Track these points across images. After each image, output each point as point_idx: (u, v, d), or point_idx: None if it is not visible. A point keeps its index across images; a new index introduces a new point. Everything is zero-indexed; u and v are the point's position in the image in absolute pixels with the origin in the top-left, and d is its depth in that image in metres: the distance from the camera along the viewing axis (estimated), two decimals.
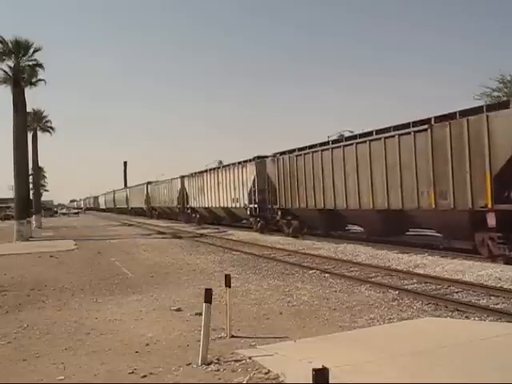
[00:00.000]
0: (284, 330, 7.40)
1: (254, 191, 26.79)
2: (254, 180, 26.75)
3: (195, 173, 38.59)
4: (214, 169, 35.05)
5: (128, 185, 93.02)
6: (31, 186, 43.09)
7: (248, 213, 28.04)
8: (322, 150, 19.73)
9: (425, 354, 5.65)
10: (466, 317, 7.99)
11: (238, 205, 29.28)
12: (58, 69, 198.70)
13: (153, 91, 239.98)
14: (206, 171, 35.99)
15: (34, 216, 39.86)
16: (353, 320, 7.89)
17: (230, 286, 7.18)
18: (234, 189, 29.71)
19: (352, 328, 7.41)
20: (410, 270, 12.75)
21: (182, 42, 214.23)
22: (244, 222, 31.73)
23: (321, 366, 2.85)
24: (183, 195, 41.15)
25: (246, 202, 27.99)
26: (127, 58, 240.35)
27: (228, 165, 32.87)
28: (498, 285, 10.22)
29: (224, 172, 32.03)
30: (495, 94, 32.71)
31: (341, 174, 18.44)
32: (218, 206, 32.51)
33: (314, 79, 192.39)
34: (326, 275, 12.37)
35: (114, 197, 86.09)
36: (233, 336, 7.02)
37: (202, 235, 27.95)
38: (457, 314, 8.16)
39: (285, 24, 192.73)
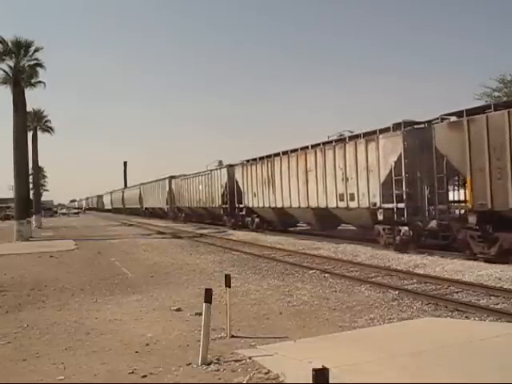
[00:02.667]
0: (284, 330, 7.40)
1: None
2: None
3: (256, 158, 27.32)
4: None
5: (128, 185, 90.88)
6: (31, 185, 43.04)
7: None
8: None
9: (425, 354, 5.65)
10: (466, 317, 8.00)
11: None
12: (58, 69, 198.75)
13: (153, 91, 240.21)
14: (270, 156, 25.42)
15: (33, 216, 39.84)
16: (353, 320, 7.89)
17: (229, 286, 7.18)
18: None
19: (352, 328, 7.41)
20: (410, 270, 12.75)
21: (182, 42, 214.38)
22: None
23: (321, 366, 2.85)
24: (233, 191, 30.17)
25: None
26: (127, 58, 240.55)
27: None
28: (498, 285, 10.22)
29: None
30: (495, 94, 32.72)
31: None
32: (307, 205, 21.69)
33: (314, 79, 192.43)
34: (326, 275, 12.37)
35: (122, 195, 75.78)
36: (233, 336, 7.02)
37: (201, 235, 27.96)
38: (457, 314, 8.16)
39: (285, 23, 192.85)
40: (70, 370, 5.82)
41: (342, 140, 19.60)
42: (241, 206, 29.36)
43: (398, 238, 16.15)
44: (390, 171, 16.15)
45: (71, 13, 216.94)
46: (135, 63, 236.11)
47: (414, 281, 11.15)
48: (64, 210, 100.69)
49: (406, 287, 10.46)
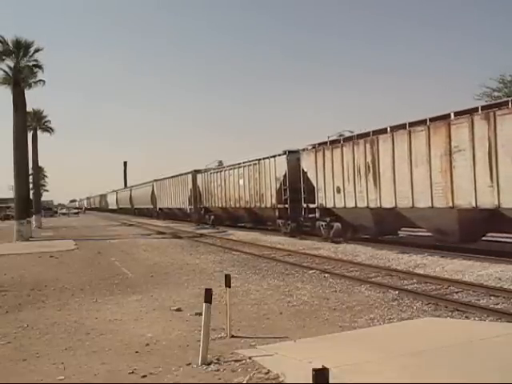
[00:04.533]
0: (284, 330, 7.40)
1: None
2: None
3: (338, 140, 19.84)
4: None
5: (128, 184, 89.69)
6: (31, 185, 43.04)
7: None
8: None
9: (425, 354, 5.65)
10: (466, 317, 7.99)
11: None
12: (58, 69, 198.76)
13: (153, 91, 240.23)
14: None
15: (33, 216, 39.84)
16: (353, 320, 7.89)
17: (229, 286, 7.18)
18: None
19: (352, 328, 7.41)
20: (410, 270, 12.75)
21: (182, 42, 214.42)
22: None
23: (321, 366, 2.85)
24: (298, 185, 22.06)
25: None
26: (127, 57, 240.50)
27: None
28: (498, 285, 10.22)
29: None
30: (495, 93, 32.75)
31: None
32: (448, 204, 14.73)
33: (314, 78, 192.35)
34: (326, 275, 12.37)
35: (130, 194, 67.42)
36: (233, 336, 7.02)
37: (201, 235, 27.94)
38: (457, 314, 8.16)
39: (285, 23, 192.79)
40: (70, 370, 5.82)
41: None
42: (311, 205, 21.23)
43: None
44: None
45: (71, 13, 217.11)
46: (135, 63, 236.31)
47: (414, 281, 11.15)
48: (64, 210, 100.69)
49: (405, 287, 10.45)
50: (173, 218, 46.56)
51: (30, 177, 41.58)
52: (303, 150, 22.05)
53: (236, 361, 5.85)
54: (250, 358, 5.87)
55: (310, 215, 21.41)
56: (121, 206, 78.48)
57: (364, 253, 16.44)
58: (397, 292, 9.91)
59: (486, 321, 7.72)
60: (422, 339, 6.51)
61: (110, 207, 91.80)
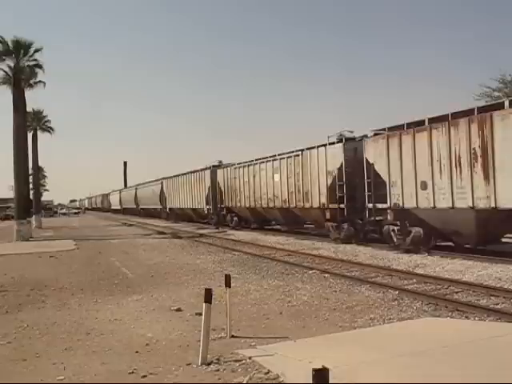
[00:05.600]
0: (284, 329, 7.40)
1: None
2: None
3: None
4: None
5: (128, 185, 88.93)
6: (31, 186, 43.04)
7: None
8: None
9: (425, 354, 5.65)
10: (466, 317, 7.99)
11: None
12: (59, 69, 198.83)
13: (153, 91, 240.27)
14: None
15: (33, 216, 39.85)
16: (353, 320, 7.89)
17: (229, 286, 7.18)
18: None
19: (352, 328, 7.40)
20: (410, 270, 12.75)
21: (183, 42, 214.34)
22: None
23: (321, 366, 2.85)
24: (366, 181, 17.57)
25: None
26: (127, 57, 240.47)
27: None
28: (498, 285, 10.22)
29: None
30: (495, 94, 32.76)
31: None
32: None
33: (314, 78, 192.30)
34: (326, 275, 12.37)
35: (135, 194, 63.17)
36: (233, 336, 7.02)
37: (201, 235, 27.95)
38: (457, 314, 8.15)
39: (285, 23, 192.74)
40: (70, 370, 5.82)
41: None
42: (381, 205, 16.89)
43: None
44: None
45: (71, 13, 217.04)
46: (136, 63, 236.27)
47: (414, 281, 11.15)
48: (64, 210, 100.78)
49: (406, 287, 10.44)
50: (185, 219, 42.82)
51: (30, 177, 41.59)
52: (366, 136, 18.16)
53: (236, 361, 5.85)
54: (249, 358, 5.87)
55: (377, 218, 17.26)
56: (125, 206, 74.42)
57: (364, 253, 16.44)
58: (397, 292, 9.91)
59: (485, 321, 7.72)
60: (421, 339, 6.50)
61: (113, 207, 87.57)
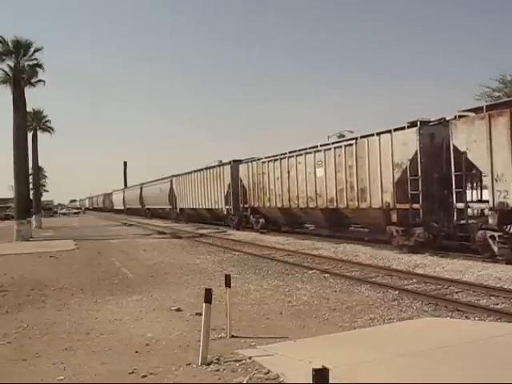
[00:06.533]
0: (284, 329, 7.40)
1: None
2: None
3: None
4: None
5: (128, 185, 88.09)
6: (31, 186, 43.04)
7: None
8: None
9: (425, 354, 5.65)
10: (466, 317, 7.99)
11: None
12: (59, 69, 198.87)
13: (153, 91, 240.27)
14: None
15: (33, 216, 39.85)
16: (353, 320, 7.89)
17: (229, 286, 7.18)
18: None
19: (352, 328, 7.41)
20: (410, 270, 12.75)
21: (183, 42, 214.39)
22: None
23: (321, 366, 2.85)
24: (454, 174, 14.25)
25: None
26: (128, 57, 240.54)
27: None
28: (498, 285, 10.22)
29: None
30: (495, 94, 32.77)
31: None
32: None
33: (314, 78, 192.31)
34: (326, 275, 12.37)
35: (140, 193, 59.17)
36: (233, 336, 7.02)
37: (201, 235, 27.94)
38: (457, 314, 8.16)
39: (286, 23, 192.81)
40: (70, 370, 5.82)
41: None
42: (477, 205, 14.47)
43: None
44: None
45: (71, 13, 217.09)
46: (136, 63, 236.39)
47: (414, 281, 11.15)
48: (64, 210, 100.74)
49: (406, 287, 10.45)
50: (199, 220, 38.91)
51: (30, 177, 41.59)
52: (445, 119, 14.94)
53: (236, 361, 5.85)
54: (249, 358, 5.87)
55: (471, 221, 13.95)
56: (128, 207, 70.00)
57: (364, 253, 16.43)
58: (397, 292, 9.91)
59: (485, 321, 7.72)
60: (421, 339, 6.50)
61: (115, 207, 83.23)
